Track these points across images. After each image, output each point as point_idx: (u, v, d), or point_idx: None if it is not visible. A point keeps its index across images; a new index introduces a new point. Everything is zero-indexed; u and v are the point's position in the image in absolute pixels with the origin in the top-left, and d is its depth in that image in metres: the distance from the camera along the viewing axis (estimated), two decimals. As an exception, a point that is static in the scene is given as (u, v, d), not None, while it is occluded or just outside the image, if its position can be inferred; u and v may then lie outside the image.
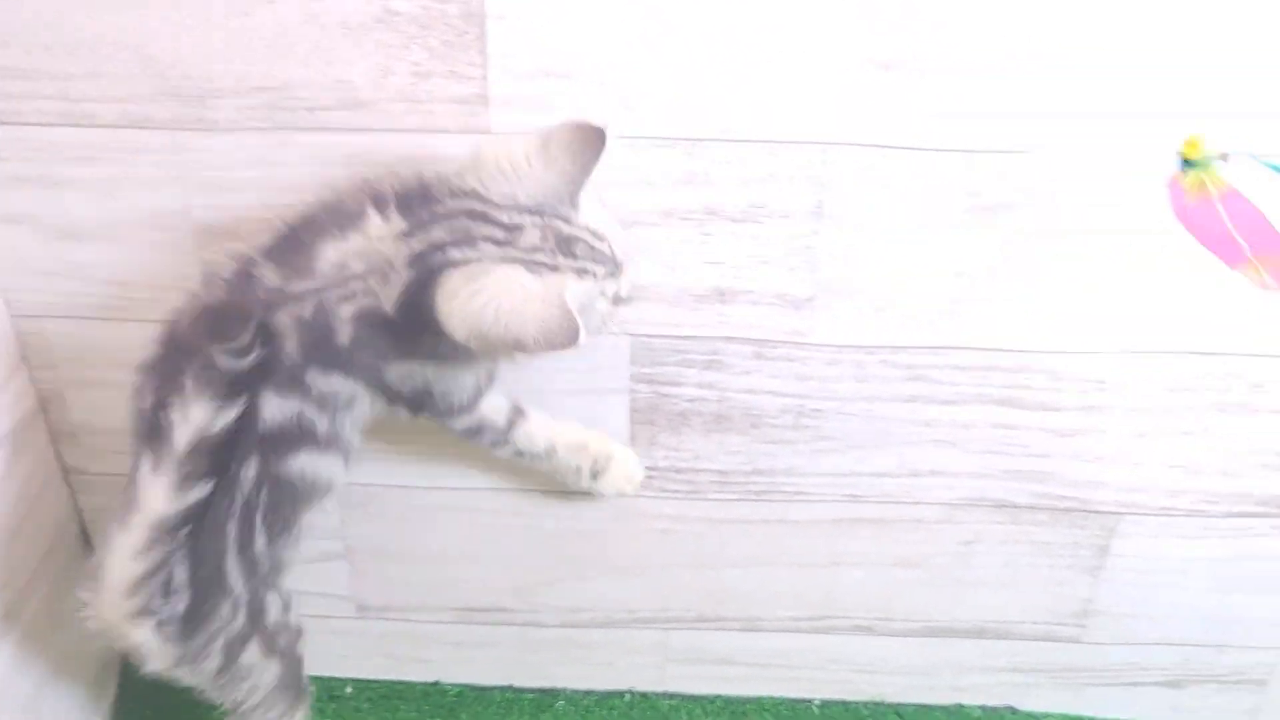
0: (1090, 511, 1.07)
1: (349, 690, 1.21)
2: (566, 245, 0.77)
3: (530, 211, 0.77)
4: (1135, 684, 1.19)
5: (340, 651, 1.20)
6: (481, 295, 0.74)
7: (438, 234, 0.76)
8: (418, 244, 0.77)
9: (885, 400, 1.01)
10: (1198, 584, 1.11)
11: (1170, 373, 0.98)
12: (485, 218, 0.76)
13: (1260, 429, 1.01)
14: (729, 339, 0.99)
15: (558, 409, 1.02)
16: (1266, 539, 1.07)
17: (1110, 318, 0.96)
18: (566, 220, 0.78)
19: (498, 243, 0.76)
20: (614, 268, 0.81)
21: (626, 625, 1.16)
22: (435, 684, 1.22)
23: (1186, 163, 0.85)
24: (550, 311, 0.73)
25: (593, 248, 0.79)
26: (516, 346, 0.74)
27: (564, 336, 0.73)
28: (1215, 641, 1.15)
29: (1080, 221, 0.91)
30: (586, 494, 1.06)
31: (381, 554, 1.13)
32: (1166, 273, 0.93)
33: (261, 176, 0.92)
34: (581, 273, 0.78)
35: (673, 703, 1.21)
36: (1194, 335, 0.96)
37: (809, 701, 1.21)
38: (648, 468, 1.05)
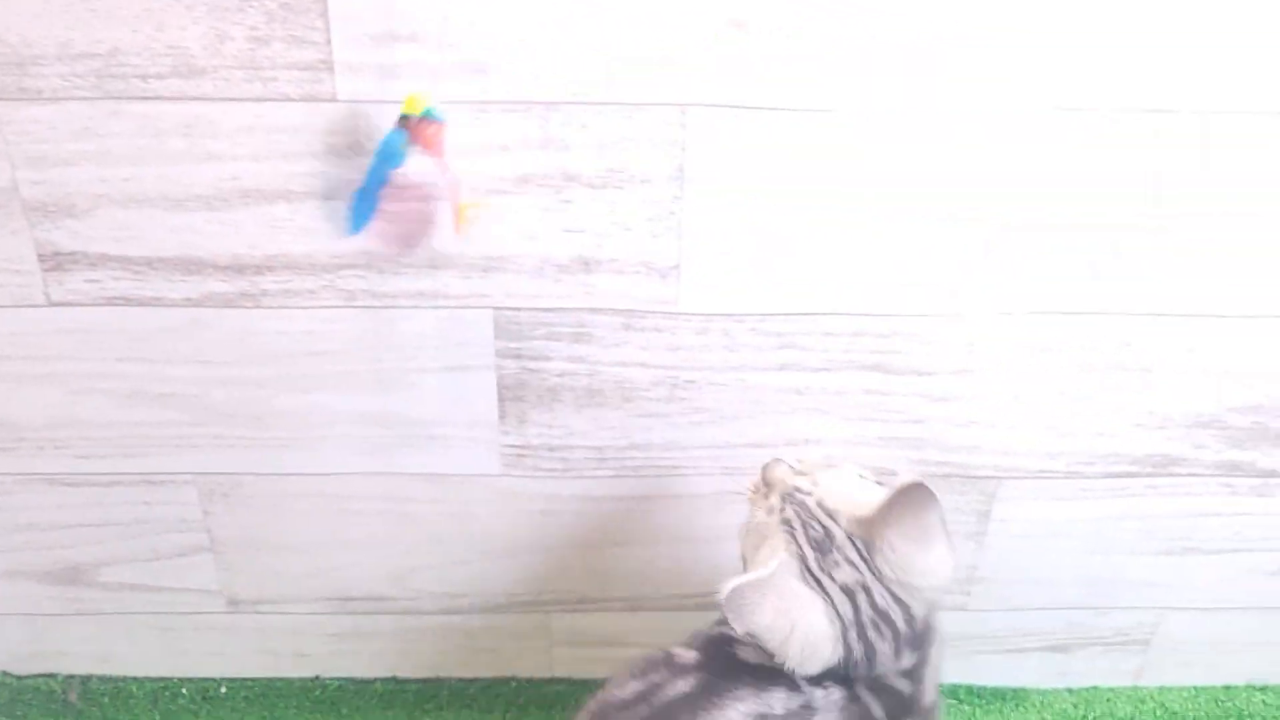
0: (969, 477, 1.06)
1: (223, 690, 1.17)
2: None
3: None
4: (1022, 650, 1.19)
5: (212, 649, 1.16)
6: None
7: None
8: None
9: (756, 369, 0.99)
10: (1078, 546, 1.11)
11: (1039, 334, 0.98)
12: None
13: (1130, 387, 1.01)
14: (596, 310, 0.96)
15: (422, 389, 0.99)
16: (1141, 498, 1.08)
17: (976, 279, 0.95)
18: None
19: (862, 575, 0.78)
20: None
21: (508, 610, 1.14)
22: (314, 679, 1.18)
23: (404, 118, 0.83)
24: None
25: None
26: None
27: None
28: (1098, 604, 1.16)
29: (943, 182, 0.91)
30: (457, 474, 1.04)
31: (249, 545, 1.09)
32: (1030, 232, 0.93)
33: (93, 149, 0.87)
34: None
35: (559, 688, 1.18)
36: (1060, 295, 0.96)
37: (698, 681, 1.19)
38: (519, 446, 1.03)
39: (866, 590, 0.75)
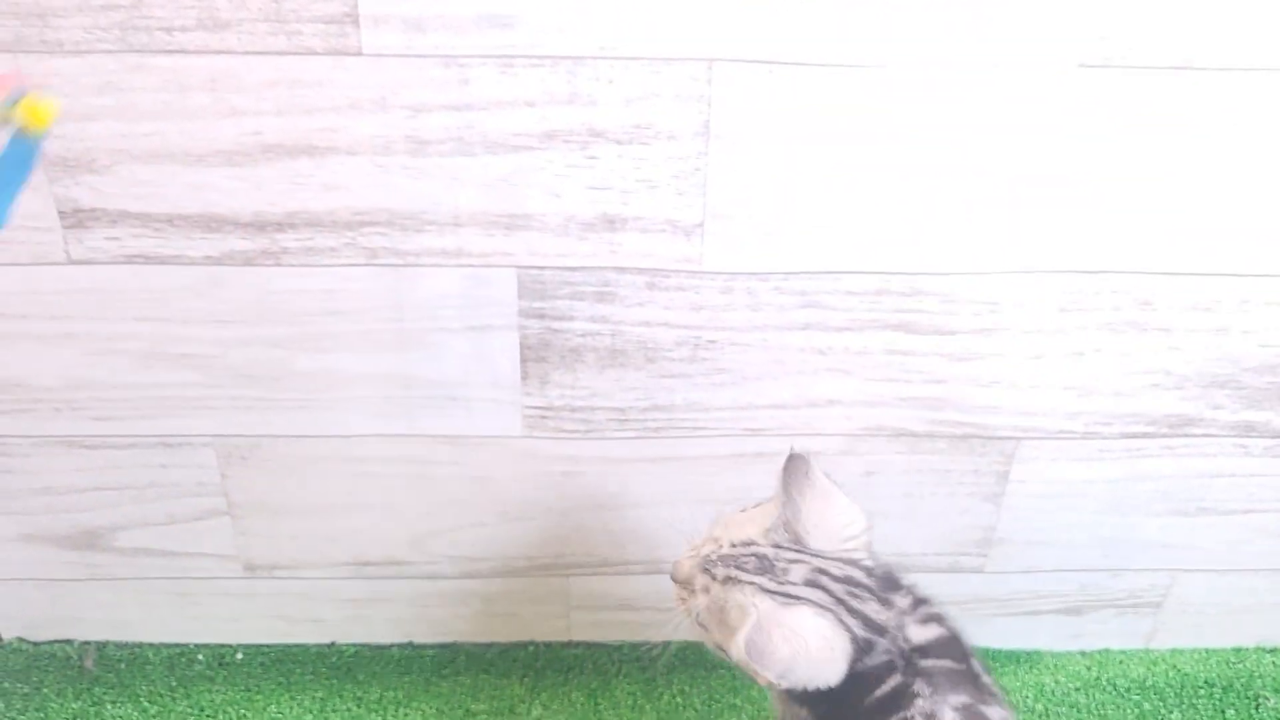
0: (989, 437, 1.07)
1: (239, 656, 1.16)
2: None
3: None
4: (1036, 613, 1.20)
5: (228, 615, 1.15)
6: None
7: None
8: None
9: (780, 329, 0.99)
10: (1095, 507, 1.12)
11: (1060, 292, 0.98)
12: None
13: (1148, 347, 1.02)
14: (620, 269, 0.96)
15: (443, 349, 0.99)
16: (1157, 459, 1.09)
17: (999, 237, 0.95)
18: None
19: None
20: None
21: (527, 573, 1.13)
22: (330, 645, 1.18)
23: None
24: None
25: None
26: None
27: None
28: (1112, 566, 1.17)
29: (967, 140, 0.91)
30: (478, 436, 1.04)
31: (267, 509, 1.08)
32: (1053, 190, 0.93)
33: (116, 104, 0.86)
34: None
35: (577, 652, 1.18)
36: (1081, 254, 0.96)
37: (716, 644, 1.20)
38: (541, 407, 1.03)
39: (823, 572, 0.77)
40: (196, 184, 0.91)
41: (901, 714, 0.75)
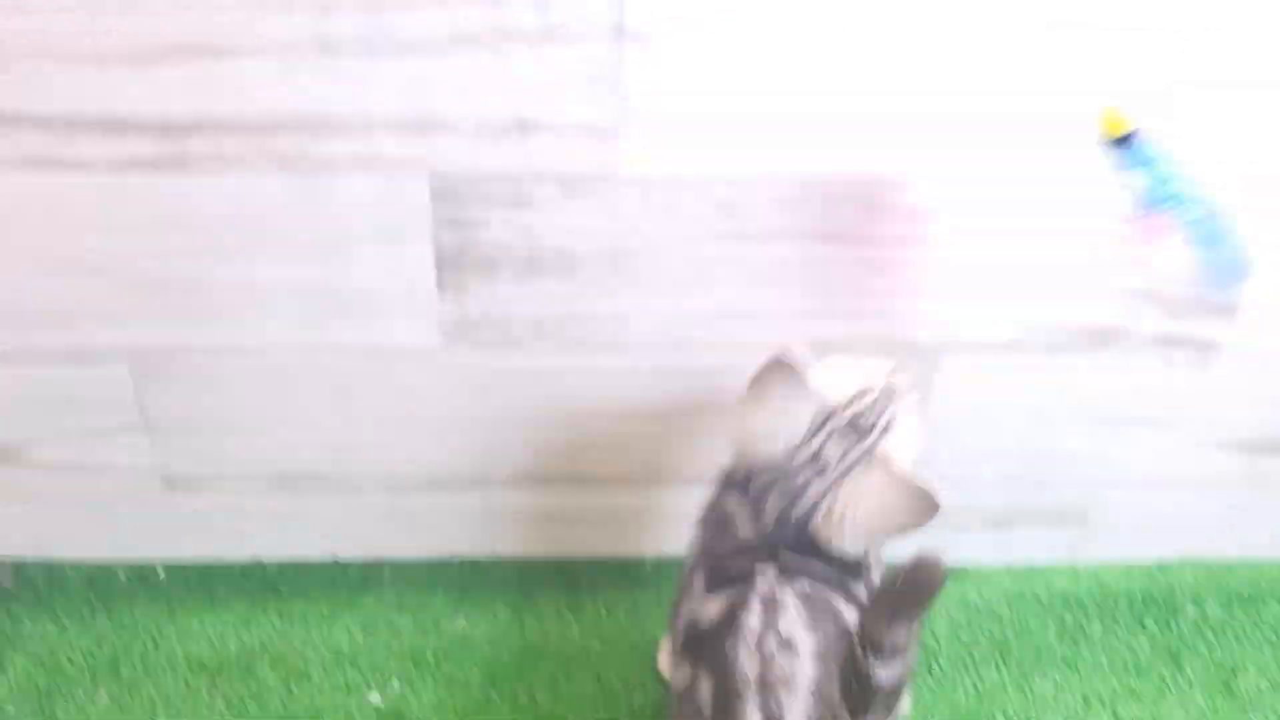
0: (909, 349, 1.06)
1: (161, 574, 1.16)
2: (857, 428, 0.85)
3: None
4: (961, 528, 1.21)
5: (148, 531, 1.14)
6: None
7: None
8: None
9: (699, 239, 0.98)
10: (1018, 421, 1.12)
11: (982, 200, 0.98)
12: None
13: (1071, 257, 1.01)
14: (536, 175, 0.94)
15: (359, 258, 0.97)
16: (1081, 371, 1.09)
17: (924, 143, 0.94)
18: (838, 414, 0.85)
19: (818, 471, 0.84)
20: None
21: (450, 487, 1.13)
22: (255, 561, 1.17)
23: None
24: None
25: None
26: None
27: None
28: (1036, 479, 1.17)
29: (883, 39, 0.89)
30: (396, 347, 1.02)
31: (184, 422, 1.07)
32: (968, 97, 0.92)
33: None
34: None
35: (504, 568, 1.18)
36: (1002, 161, 0.95)
37: (641, 560, 1.20)
38: (459, 318, 1.01)
39: (806, 480, 0.83)
40: (96, 84, 0.88)
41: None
